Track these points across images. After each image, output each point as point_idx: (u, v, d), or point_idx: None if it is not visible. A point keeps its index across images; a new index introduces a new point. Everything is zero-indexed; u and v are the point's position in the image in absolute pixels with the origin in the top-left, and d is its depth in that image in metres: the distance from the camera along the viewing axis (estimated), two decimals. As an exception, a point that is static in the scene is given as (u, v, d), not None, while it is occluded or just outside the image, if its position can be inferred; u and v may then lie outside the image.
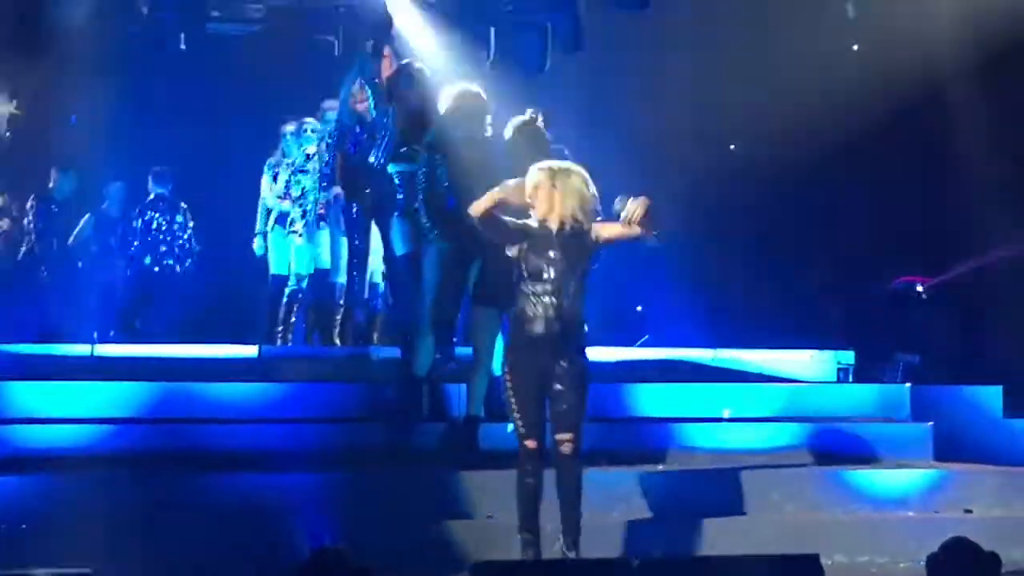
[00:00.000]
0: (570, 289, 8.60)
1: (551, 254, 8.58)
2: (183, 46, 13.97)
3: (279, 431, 10.34)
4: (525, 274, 8.62)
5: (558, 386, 8.59)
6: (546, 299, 8.56)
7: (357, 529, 9.07)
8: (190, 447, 10.02)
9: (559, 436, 8.60)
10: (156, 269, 14.68)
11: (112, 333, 14.12)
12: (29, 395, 10.49)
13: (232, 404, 10.67)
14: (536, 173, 8.69)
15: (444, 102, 10.28)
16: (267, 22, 14.26)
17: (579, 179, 8.68)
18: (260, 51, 15.28)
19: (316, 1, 14.03)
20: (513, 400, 8.63)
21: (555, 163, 8.85)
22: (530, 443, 8.60)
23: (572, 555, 8.52)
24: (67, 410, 10.37)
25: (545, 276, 8.57)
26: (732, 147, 16.57)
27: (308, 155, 13.23)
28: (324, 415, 10.69)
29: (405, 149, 10.57)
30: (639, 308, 16.18)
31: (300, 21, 15.04)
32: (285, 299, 13.31)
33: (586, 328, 8.74)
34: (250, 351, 12.05)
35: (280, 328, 13.29)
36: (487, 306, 9.83)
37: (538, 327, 8.56)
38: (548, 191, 8.62)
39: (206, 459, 9.87)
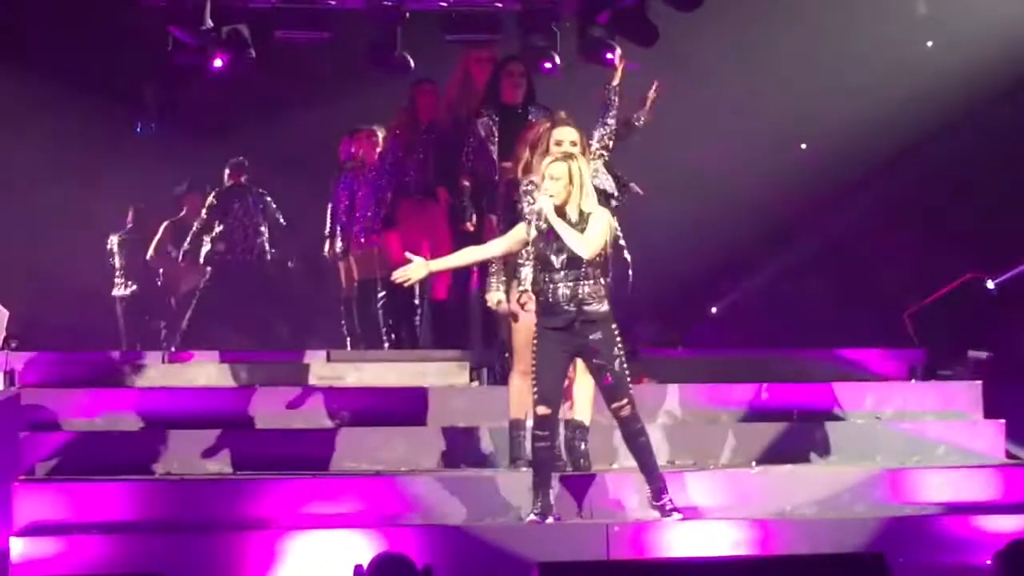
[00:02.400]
0: (587, 273, 9.01)
1: (560, 243, 9.01)
2: (253, 55, 13.95)
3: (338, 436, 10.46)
4: (540, 264, 9.13)
5: (596, 360, 9.08)
6: (562, 287, 9.02)
7: (420, 531, 9.17)
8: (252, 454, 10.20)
9: (614, 405, 9.13)
10: (231, 254, 14.74)
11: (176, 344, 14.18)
12: (96, 401, 10.67)
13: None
14: (555, 163, 9.12)
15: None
16: (336, 29, 14.23)
17: (585, 168, 9.21)
18: (329, 58, 15.37)
19: (383, 9, 13.97)
20: (535, 367, 9.11)
21: (568, 151, 9.33)
22: (541, 409, 9.07)
23: (660, 504, 9.15)
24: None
25: (558, 264, 9.02)
26: (803, 146, 16.46)
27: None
28: (394, 416, 10.80)
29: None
30: (714, 310, 16.12)
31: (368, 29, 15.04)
32: (380, 305, 13.35)
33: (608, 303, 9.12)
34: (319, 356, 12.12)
35: (384, 332, 13.35)
36: None
37: (559, 313, 9.03)
38: (566, 182, 9.06)
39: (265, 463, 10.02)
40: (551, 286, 9.06)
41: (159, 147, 15.99)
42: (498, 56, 12.34)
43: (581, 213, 9.08)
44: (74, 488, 9.48)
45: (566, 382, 9.48)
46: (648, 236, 11.32)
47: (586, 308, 9.03)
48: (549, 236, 9.04)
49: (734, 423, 11.04)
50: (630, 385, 9.18)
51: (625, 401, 9.12)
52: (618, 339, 9.11)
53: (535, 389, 9.13)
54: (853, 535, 9.36)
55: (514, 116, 11.38)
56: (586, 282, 9.03)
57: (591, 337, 9.05)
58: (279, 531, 9.12)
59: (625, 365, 9.12)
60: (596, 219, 9.06)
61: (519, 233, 9.26)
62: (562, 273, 9.03)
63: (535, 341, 9.16)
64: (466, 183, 11.79)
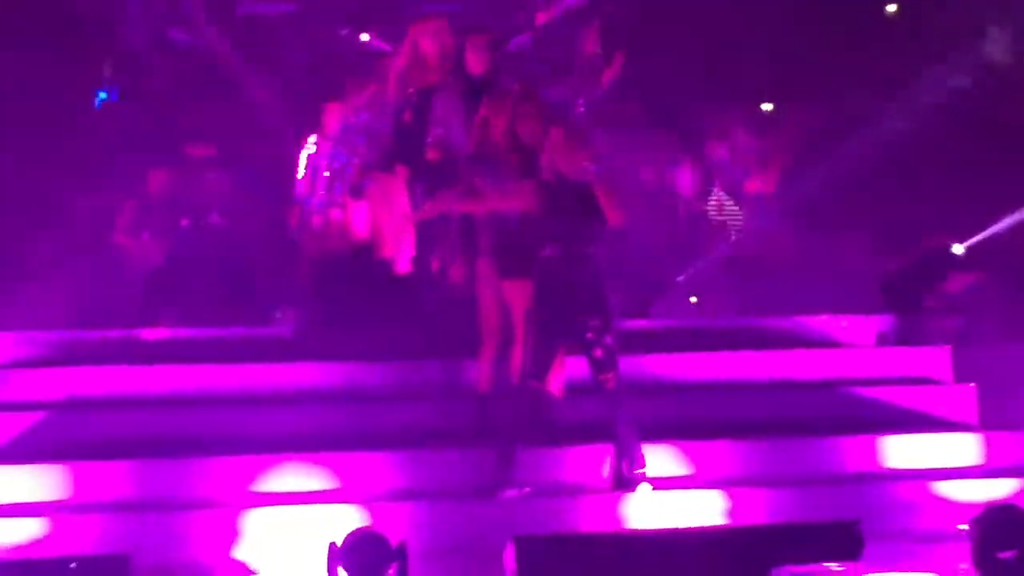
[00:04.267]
0: (583, 242, 9.12)
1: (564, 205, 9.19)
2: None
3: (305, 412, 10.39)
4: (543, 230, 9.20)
5: (589, 335, 9.14)
6: (563, 252, 9.15)
7: (394, 507, 9.13)
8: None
9: (602, 376, 9.26)
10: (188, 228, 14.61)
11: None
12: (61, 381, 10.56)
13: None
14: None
15: None
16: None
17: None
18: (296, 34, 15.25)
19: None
20: (531, 344, 9.25)
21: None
22: (535, 381, 9.24)
23: (634, 476, 9.27)
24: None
25: (559, 231, 9.16)
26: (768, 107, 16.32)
27: None
28: (365, 393, 10.74)
29: None
30: (693, 299, 15.73)
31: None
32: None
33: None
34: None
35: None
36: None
37: (557, 281, 9.12)
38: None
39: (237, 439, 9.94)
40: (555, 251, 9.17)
41: (119, 123, 15.80)
42: (448, 28, 12.17)
43: None
44: (34, 469, 9.42)
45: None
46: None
47: (585, 279, 9.15)
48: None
49: (702, 392, 10.98)
50: (617, 363, 9.23)
51: (611, 375, 9.20)
52: (611, 316, 9.21)
53: (534, 361, 9.16)
54: (827, 503, 9.37)
55: (481, 89, 11.28)
56: (589, 253, 9.18)
57: (585, 310, 9.12)
58: (248, 507, 9.09)
59: (615, 343, 9.21)
60: None
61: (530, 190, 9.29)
62: (564, 241, 9.16)
63: (533, 310, 9.23)
64: (433, 158, 11.67)
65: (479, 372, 10.10)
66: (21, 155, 15.11)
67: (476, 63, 11.33)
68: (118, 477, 9.42)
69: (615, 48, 11.79)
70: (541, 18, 12.45)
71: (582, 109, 11.71)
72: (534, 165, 9.64)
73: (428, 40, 11.95)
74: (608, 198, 9.09)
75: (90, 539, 8.76)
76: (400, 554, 6.51)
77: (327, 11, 14.16)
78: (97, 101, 16.14)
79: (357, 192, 13.03)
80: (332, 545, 6.54)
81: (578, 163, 9.22)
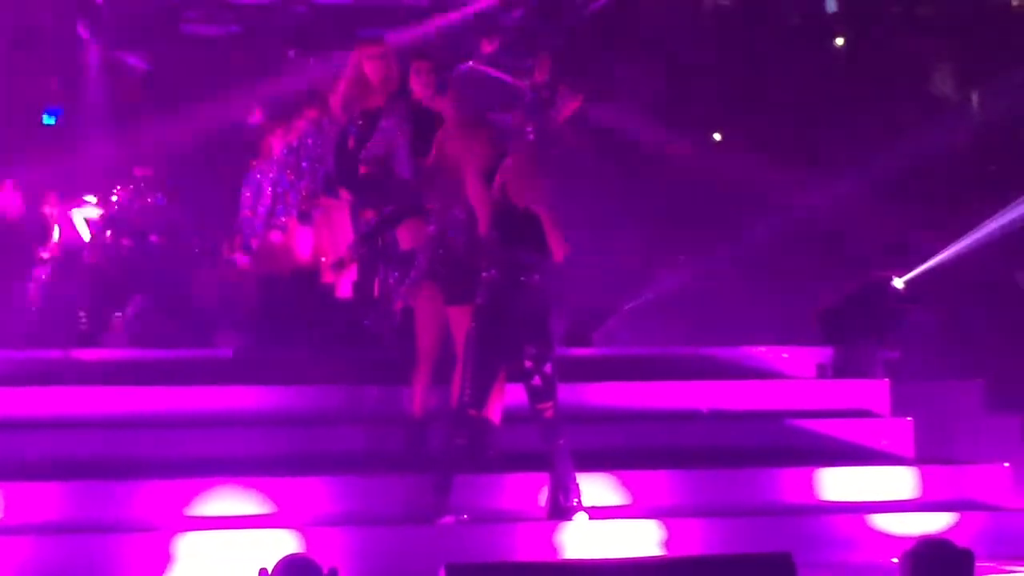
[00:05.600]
0: (528, 269, 9.08)
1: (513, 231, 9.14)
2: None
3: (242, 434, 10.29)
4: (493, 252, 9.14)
5: (528, 362, 9.10)
6: (507, 278, 9.09)
7: (326, 533, 9.08)
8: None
9: (540, 405, 9.19)
10: (129, 247, 14.52)
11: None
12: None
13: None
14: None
15: None
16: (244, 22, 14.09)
17: None
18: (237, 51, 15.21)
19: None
20: (470, 371, 9.11)
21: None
22: (473, 412, 9.15)
23: (569, 505, 9.20)
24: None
25: (505, 257, 9.13)
26: (717, 137, 16.43)
27: None
28: (301, 417, 10.66)
29: None
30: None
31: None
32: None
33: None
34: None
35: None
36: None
37: (500, 306, 9.08)
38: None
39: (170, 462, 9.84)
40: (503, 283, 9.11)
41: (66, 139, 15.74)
42: (391, 52, 12.14)
43: None
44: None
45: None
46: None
47: (531, 306, 9.12)
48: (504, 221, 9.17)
49: (641, 422, 10.96)
50: (556, 393, 9.19)
51: (549, 404, 9.16)
52: (551, 340, 9.17)
53: (472, 389, 9.10)
54: (763, 534, 9.38)
55: (425, 113, 11.26)
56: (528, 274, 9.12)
57: (526, 338, 9.07)
58: (180, 532, 9.01)
59: (554, 373, 9.18)
60: None
61: None
62: (513, 264, 9.12)
63: (472, 333, 9.15)
64: (364, 171, 11.62)
65: (412, 396, 10.07)
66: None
67: (420, 87, 11.31)
68: (50, 499, 9.31)
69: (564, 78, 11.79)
70: (486, 46, 12.46)
71: (532, 137, 11.70)
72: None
73: (371, 64, 11.91)
74: (554, 231, 9.05)
75: (20, 561, 8.67)
76: (331, 581, 6.45)
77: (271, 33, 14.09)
78: (44, 118, 16.11)
79: (305, 218, 12.98)
80: (263, 571, 6.48)
81: (529, 190, 9.18)
